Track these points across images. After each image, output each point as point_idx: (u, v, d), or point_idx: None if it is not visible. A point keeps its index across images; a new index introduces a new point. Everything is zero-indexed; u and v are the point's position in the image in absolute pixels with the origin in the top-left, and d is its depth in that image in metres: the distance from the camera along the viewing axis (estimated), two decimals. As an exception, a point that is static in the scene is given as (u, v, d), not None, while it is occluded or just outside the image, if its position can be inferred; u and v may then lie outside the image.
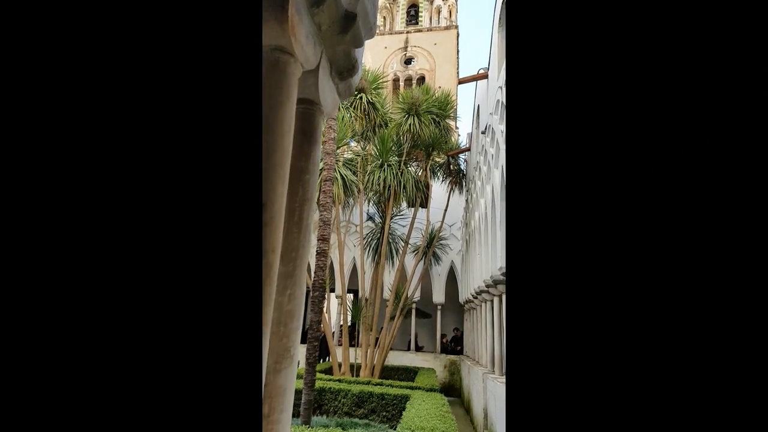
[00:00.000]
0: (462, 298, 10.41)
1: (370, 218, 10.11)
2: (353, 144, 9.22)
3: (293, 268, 1.34)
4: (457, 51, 19.68)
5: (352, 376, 7.97)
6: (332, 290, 9.85)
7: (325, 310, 7.57)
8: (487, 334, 6.82)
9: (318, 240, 5.38)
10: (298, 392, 5.46)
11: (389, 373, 8.69)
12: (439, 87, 12.74)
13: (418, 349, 11.10)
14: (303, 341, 9.57)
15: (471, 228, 8.75)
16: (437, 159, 9.32)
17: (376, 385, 6.49)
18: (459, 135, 11.71)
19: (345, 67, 1.60)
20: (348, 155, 9.07)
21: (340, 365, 8.31)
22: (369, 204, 9.64)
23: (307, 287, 4.86)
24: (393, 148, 8.50)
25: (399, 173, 8.36)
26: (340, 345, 8.87)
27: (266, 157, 1.14)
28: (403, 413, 4.57)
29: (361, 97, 8.12)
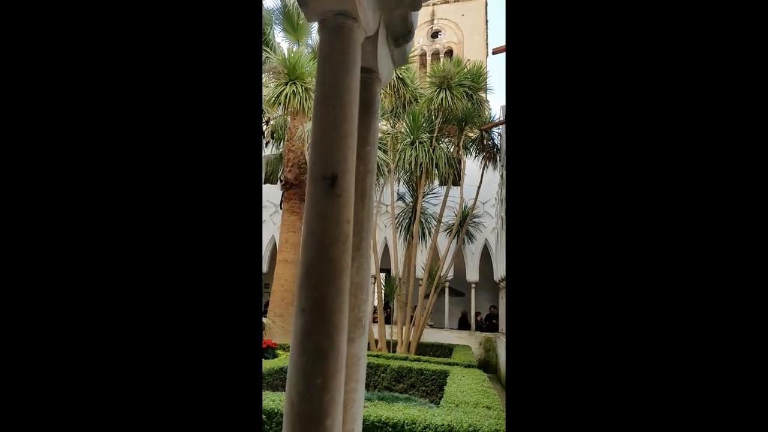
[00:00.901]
0: (497, 276, 10.29)
1: (401, 198, 10.06)
2: (382, 123, 9.10)
3: (360, 241, 1.34)
4: (486, 21, 18.79)
5: (389, 352, 8.14)
6: (366, 269, 9.93)
7: (360, 288, 7.65)
8: (525, 311, 6.71)
9: (354, 219, 5.41)
10: (339, 367, 5.65)
11: (424, 349, 8.81)
12: (468, 59, 12.27)
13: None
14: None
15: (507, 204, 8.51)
16: (470, 134, 9.07)
17: (413, 360, 6.59)
18: (491, 108, 11.30)
19: (401, 33, 1.54)
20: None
21: (376, 342, 8.49)
22: (399, 183, 9.57)
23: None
24: (424, 125, 8.32)
25: (431, 150, 8.20)
26: (375, 322, 9.04)
27: (335, 128, 1.12)
28: (445, 388, 4.63)
29: (390, 74, 7.94)
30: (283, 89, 7.45)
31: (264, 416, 3.17)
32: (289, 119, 9.25)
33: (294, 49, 8.48)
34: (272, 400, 3.30)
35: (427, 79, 8.51)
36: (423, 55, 18.47)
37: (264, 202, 11.92)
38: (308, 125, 8.19)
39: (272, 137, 10.38)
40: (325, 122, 1.12)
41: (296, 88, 7.52)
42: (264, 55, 8.00)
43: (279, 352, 6.62)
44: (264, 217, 12.11)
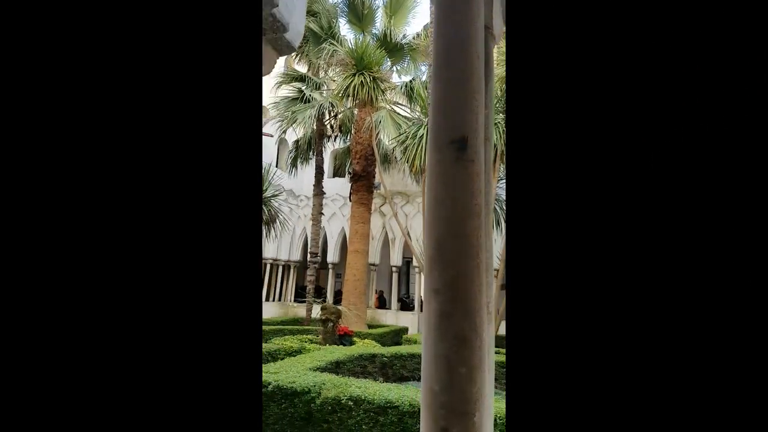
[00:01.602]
0: (579, 267, 9.48)
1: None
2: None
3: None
4: (558, -10, 17.24)
5: (464, 343, 7.93)
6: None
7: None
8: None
9: (429, 207, 5.28)
10: (417, 356, 5.58)
11: (501, 341, 8.44)
12: (541, 33, 11.33)
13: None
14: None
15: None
16: (547, 113, 8.37)
17: (495, 353, 6.32)
18: (569, 85, 10.36)
19: (515, -19, 1.35)
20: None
21: (450, 333, 8.32)
22: (470, 170, 9.18)
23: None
24: (497, 105, 7.85)
25: (505, 132, 7.72)
26: (448, 313, 8.86)
27: (461, 85, 0.98)
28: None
29: (457, 56, 7.60)
30: (352, 80, 7.49)
31: (351, 402, 3.19)
32: (356, 111, 9.34)
33: (360, 39, 8.49)
34: (358, 387, 3.32)
35: (501, 57, 8.00)
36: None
37: (333, 195, 12.27)
38: (375, 116, 8.19)
39: (340, 131, 10.58)
40: (448, 80, 0.99)
41: (364, 78, 7.53)
42: (331, 48, 8.12)
43: (355, 339, 6.77)
44: (333, 210, 12.49)
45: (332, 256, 12.36)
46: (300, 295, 12.52)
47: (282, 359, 4.72)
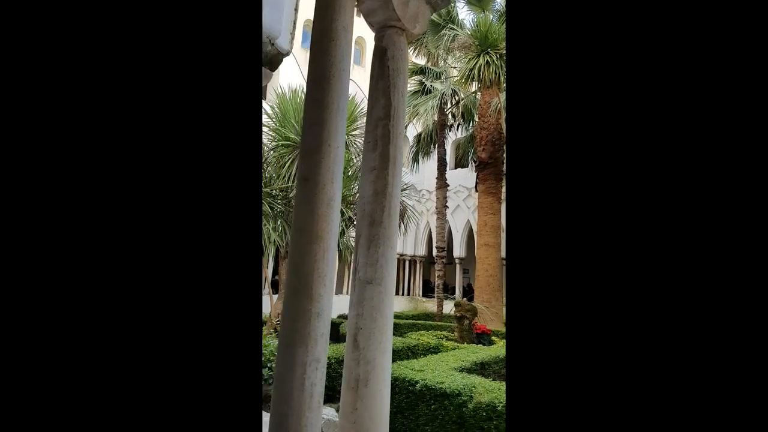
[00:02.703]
0: None
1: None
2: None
3: None
4: None
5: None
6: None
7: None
8: None
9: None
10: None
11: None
12: None
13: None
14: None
15: None
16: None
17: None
18: None
19: None
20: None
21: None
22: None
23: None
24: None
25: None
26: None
27: None
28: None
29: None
30: (476, 61, 6.99)
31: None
32: (478, 96, 8.76)
33: (481, 18, 7.89)
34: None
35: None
36: None
37: (456, 187, 11.87)
38: (503, 95, 7.49)
39: (462, 118, 10.11)
40: None
41: (490, 57, 6.95)
42: (452, 33, 7.74)
43: (495, 339, 6.28)
44: (457, 203, 12.09)
45: (458, 251, 11.98)
46: (426, 290, 12.50)
47: (422, 355, 4.60)
